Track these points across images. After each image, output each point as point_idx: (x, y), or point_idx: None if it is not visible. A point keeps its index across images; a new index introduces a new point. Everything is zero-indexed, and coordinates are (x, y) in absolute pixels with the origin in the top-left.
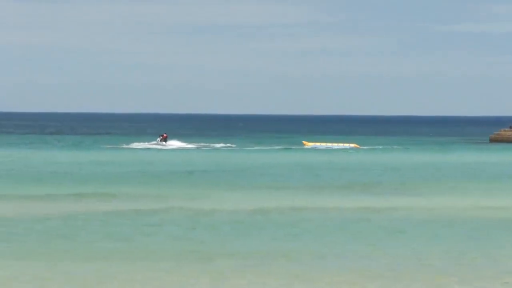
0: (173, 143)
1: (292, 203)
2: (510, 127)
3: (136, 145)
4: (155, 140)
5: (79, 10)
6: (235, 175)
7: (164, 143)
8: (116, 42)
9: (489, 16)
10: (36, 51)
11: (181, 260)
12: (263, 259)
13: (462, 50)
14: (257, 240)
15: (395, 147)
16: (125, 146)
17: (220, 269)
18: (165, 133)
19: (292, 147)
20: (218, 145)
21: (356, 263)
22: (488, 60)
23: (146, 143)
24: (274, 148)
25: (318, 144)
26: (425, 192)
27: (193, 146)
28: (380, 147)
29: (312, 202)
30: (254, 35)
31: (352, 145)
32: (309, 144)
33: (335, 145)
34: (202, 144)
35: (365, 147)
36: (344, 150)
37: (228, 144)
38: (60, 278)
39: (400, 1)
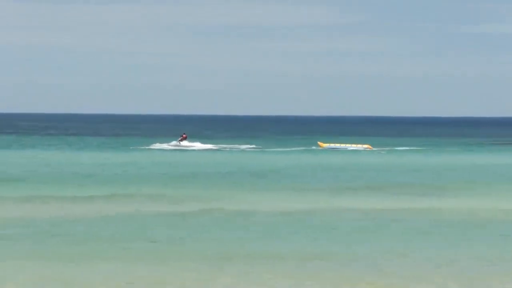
0: (195, 145)
1: (325, 205)
2: None
3: (157, 146)
4: (175, 141)
5: (80, 10)
6: (266, 176)
7: (180, 143)
8: (128, 43)
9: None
10: (36, 51)
11: (219, 261)
12: (300, 261)
13: (482, 50)
14: (293, 242)
15: (424, 148)
16: (147, 147)
17: (258, 271)
18: (185, 134)
19: (314, 148)
20: (242, 147)
21: (391, 265)
22: (505, 60)
23: (165, 144)
24: (298, 150)
25: (332, 145)
26: (460, 194)
27: (216, 147)
28: (402, 148)
29: (344, 203)
30: (265, 35)
31: (365, 146)
32: (324, 145)
33: (349, 146)
34: (225, 145)
35: (386, 148)
36: (359, 151)
37: (253, 146)
38: (99, 278)
39: (416, 1)
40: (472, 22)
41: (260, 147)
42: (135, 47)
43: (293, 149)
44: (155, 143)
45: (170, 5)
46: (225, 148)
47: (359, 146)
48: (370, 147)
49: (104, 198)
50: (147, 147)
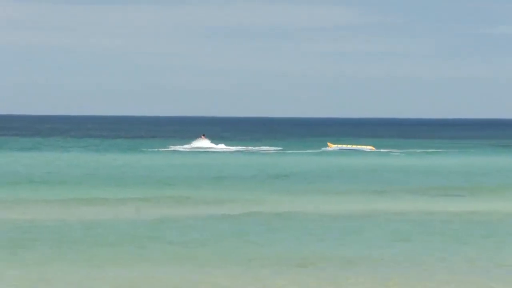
0: (219, 147)
1: (365, 208)
2: None
3: (177, 147)
4: (193, 141)
5: (82, 10)
6: (298, 178)
7: (199, 144)
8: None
9: None
10: (37, 51)
11: (277, 265)
12: (364, 264)
13: (499, 52)
14: (354, 245)
15: (451, 150)
16: (166, 148)
17: (320, 274)
18: (204, 135)
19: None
20: (265, 148)
21: (436, 268)
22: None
23: (186, 145)
24: (318, 151)
25: (340, 146)
26: (494, 196)
27: (240, 148)
28: (430, 150)
29: (383, 206)
30: (272, 35)
31: (369, 147)
32: (333, 146)
33: (354, 147)
34: (250, 147)
35: (418, 150)
36: (364, 152)
37: (279, 148)
38: (150, 279)
39: (438, 3)
40: (490, 24)
41: (280, 148)
42: (138, 47)
43: (315, 151)
44: (175, 144)
45: (174, 5)
46: (252, 150)
47: (364, 147)
48: (373, 148)
49: (139, 201)
50: (168, 149)
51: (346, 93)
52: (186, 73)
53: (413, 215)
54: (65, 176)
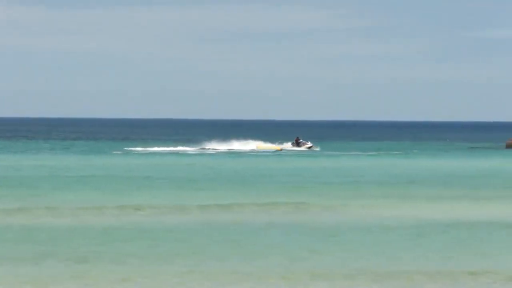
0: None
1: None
2: None
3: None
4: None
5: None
6: (373, 181)
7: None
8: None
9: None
10: (37, 54)
11: (351, 278)
12: (448, 278)
13: (488, 55)
14: (435, 255)
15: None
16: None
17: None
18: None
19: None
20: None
21: None
22: (493, 65)
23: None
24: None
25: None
26: None
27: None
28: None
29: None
30: (271, 39)
31: (277, 147)
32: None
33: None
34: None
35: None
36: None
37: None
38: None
39: (430, 5)
40: (482, 28)
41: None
42: (132, 50)
43: (355, 153)
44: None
45: (177, 9)
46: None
47: (272, 148)
48: (279, 148)
49: (201, 208)
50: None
51: (343, 96)
52: (182, 76)
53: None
54: None
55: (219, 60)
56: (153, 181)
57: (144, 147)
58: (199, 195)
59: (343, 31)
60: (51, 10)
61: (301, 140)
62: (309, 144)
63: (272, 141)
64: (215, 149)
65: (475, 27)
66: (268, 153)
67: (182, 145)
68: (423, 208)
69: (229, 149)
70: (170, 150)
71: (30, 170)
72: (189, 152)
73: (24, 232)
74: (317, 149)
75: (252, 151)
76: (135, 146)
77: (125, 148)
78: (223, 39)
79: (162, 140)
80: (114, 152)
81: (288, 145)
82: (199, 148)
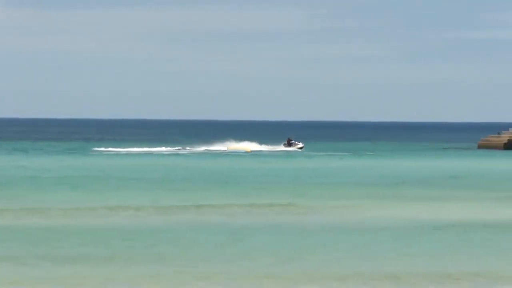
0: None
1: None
2: (498, 133)
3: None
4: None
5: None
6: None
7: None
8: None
9: (490, 23)
10: (32, 55)
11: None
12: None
13: (461, 56)
14: (422, 257)
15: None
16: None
17: None
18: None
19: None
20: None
21: None
22: (469, 67)
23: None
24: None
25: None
26: None
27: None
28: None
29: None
30: (271, 41)
31: (245, 146)
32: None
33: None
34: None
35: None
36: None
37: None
38: None
39: (405, 7)
40: (451, 29)
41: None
42: (105, 52)
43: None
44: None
45: (170, 12)
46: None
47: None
48: (248, 149)
49: (245, 207)
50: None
51: (314, 97)
52: (151, 76)
53: None
54: None
55: (218, 60)
56: (128, 182)
57: (125, 148)
58: (177, 195)
59: (319, 32)
60: (43, 11)
61: (292, 141)
62: (300, 145)
63: (262, 141)
64: (190, 149)
65: (451, 28)
66: (243, 154)
67: (161, 146)
68: (404, 209)
69: (205, 150)
70: (147, 151)
71: (5, 170)
72: (164, 153)
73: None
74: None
75: (223, 152)
76: (108, 147)
77: (95, 149)
78: (222, 40)
79: (140, 140)
80: (90, 153)
81: (280, 146)
82: (176, 148)
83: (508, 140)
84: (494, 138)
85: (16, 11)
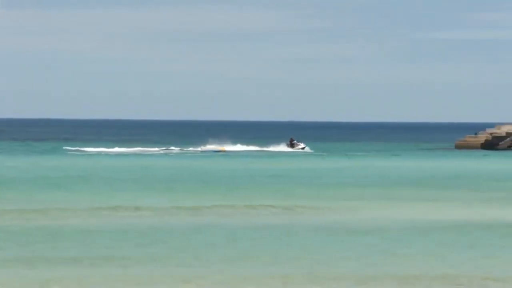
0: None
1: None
2: (475, 134)
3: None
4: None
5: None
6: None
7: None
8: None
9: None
10: (21, 55)
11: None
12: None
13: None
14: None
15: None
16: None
17: None
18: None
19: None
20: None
21: None
22: (449, 68)
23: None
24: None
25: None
26: None
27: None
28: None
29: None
30: (249, 41)
31: (221, 148)
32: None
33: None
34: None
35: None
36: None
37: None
38: None
39: (391, 8)
40: (440, 29)
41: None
42: (91, 52)
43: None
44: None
45: (156, 12)
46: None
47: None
48: (224, 149)
49: (286, 209)
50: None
51: (289, 97)
52: (139, 77)
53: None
54: None
55: (218, 60)
56: (113, 182)
57: (105, 147)
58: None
59: (304, 32)
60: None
61: (295, 141)
62: (302, 145)
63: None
64: (171, 149)
65: (425, 28)
66: (218, 153)
67: (144, 146)
68: (389, 209)
69: (180, 149)
70: (138, 151)
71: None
72: (148, 153)
73: None
74: (311, 150)
75: (196, 152)
76: (82, 147)
77: (66, 148)
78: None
79: (123, 140)
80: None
81: (283, 146)
82: (160, 149)
83: (485, 140)
84: (471, 139)
85: (16, 11)
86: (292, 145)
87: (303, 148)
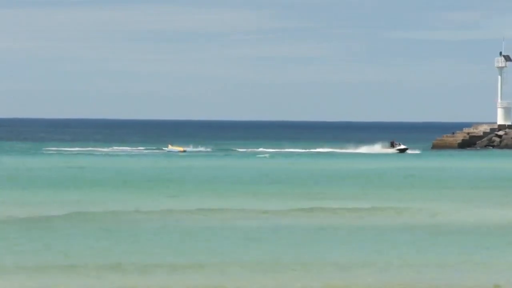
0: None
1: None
2: (453, 133)
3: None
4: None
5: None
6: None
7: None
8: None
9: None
10: None
11: None
12: None
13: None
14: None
15: None
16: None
17: None
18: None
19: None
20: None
21: None
22: (424, 68)
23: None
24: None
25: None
26: None
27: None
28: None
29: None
30: (217, 41)
31: (179, 148)
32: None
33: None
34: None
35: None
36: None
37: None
38: None
39: (360, 8)
40: (403, 28)
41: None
42: (60, 51)
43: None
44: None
45: (128, 11)
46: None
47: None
48: (181, 149)
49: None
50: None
51: (259, 97)
52: (108, 77)
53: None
54: None
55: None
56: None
57: (81, 147)
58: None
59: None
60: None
61: (396, 143)
62: (403, 146)
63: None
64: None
65: (395, 28)
66: (177, 153)
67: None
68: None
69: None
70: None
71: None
72: (122, 154)
73: None
74: (417, 151)
75: (161, 151)
76: (63, 147)
77: (47, 148)
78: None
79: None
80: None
81: (378, 147)
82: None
83: (462, 139)
84: (448, 138)
85: None
86: (392, 146)
87: (404, 149)
